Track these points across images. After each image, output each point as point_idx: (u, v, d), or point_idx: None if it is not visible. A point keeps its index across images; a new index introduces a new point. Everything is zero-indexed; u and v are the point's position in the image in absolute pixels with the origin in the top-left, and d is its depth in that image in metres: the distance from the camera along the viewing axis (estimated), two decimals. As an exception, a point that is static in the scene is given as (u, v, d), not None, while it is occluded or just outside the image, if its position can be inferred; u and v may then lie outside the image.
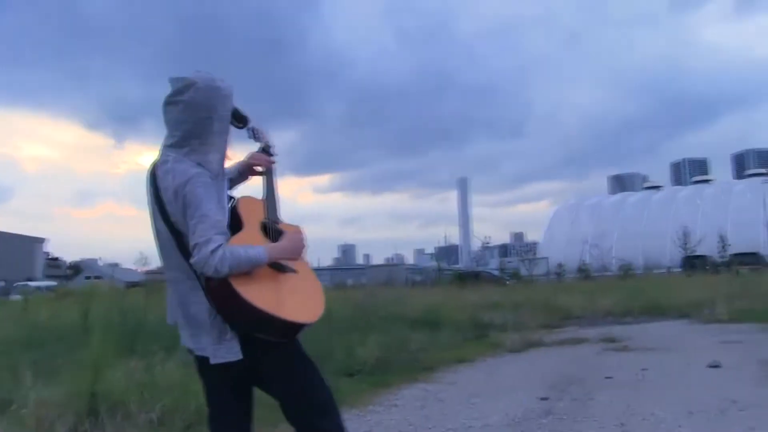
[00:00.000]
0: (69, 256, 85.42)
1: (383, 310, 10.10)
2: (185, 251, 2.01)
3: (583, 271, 36.36)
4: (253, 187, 2.45)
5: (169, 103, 2.08)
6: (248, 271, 1.97)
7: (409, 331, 9.01)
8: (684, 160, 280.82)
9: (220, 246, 1.92)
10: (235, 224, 2.12)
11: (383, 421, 4.73)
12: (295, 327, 2.03)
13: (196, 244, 1.92)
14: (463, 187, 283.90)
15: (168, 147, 2.10)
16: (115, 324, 7.08)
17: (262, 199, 2.33)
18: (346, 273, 75.68)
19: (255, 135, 2.47)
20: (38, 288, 37.79)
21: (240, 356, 2.00)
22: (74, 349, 5.45)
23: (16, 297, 22.74)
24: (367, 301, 11.79)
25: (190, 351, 2.18)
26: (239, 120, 2.30)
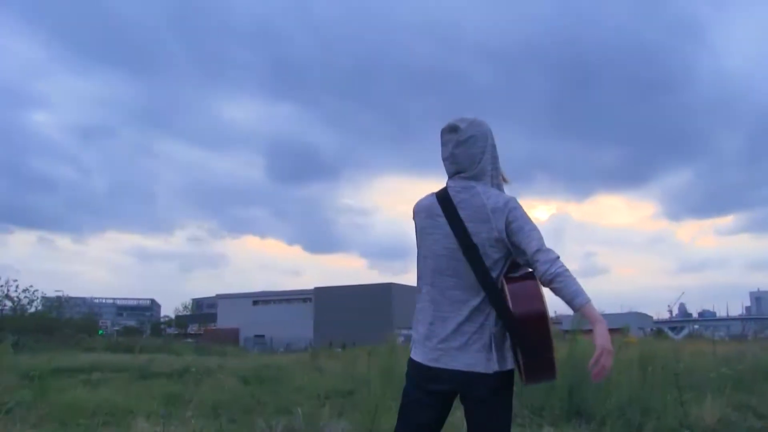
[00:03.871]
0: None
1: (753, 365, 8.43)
2: (480, 271, 2.12)
3: None
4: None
5: (462, 143, 2.25)
6: (564, 296, 2.06)
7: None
8: None
9: (559, 257, 2.09)
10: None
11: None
12: (552, 369, 2.07)
13: (538, 249, 2.09)
14: None
15: (466, 179, 2.25)
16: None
17: None
18: (756, 323, 65.86)
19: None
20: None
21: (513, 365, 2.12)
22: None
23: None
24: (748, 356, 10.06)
25: (430, 368, 2.16)
26: None
